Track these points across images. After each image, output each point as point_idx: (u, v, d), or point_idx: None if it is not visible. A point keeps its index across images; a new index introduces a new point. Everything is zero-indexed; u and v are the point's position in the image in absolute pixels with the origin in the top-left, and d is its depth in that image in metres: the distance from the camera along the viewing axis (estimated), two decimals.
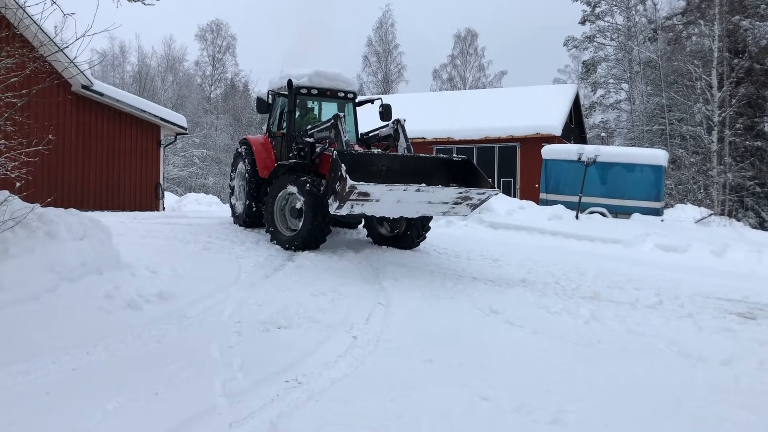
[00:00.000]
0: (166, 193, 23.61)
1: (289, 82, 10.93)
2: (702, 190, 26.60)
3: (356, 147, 10.08)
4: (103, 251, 6.38)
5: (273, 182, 10.23)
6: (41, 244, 5.72)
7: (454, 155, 10.18)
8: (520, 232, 13.39)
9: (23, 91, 5.30)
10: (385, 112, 11.32)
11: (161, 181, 19.76)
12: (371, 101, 11.80)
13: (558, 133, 27.19)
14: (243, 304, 6.33)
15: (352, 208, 8.17)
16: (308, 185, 9.39)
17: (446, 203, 8.66)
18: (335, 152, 8.48)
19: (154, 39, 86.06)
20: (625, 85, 44.10)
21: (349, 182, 7.80)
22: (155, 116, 19.00)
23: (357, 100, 11.82)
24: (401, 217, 9.57)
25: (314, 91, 11.13)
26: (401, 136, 9.99)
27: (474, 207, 8.97)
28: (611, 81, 44.95)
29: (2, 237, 5.55)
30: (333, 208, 8.30)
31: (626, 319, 6.66)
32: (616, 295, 8.03)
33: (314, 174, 9.98)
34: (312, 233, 9.48)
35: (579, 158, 15.25)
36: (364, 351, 5.06)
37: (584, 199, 15.70)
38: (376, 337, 5.43)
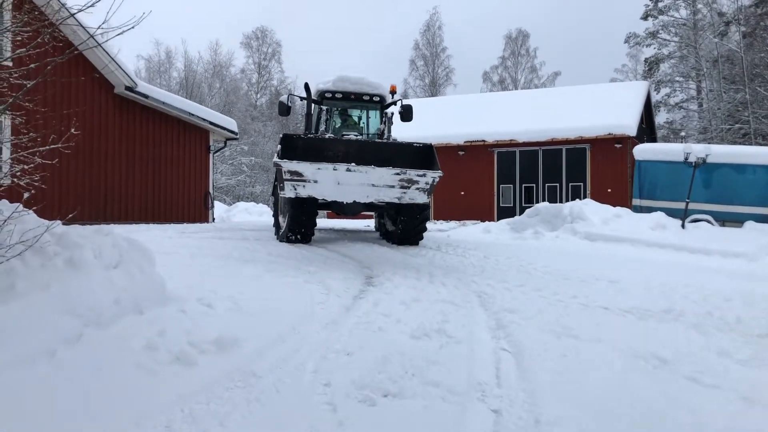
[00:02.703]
0: (215, 203, 22.37)
1: (306, 85, 11.44)
2: None
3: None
4: (143, 282, 4.85)
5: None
6: (60, 276, 4.21)
7: (416, 141, 10.10)
8: (622, 245, 11.50)
9: (32, 66, 3.76)
10: (405, 112, 11.49)
11: (210, 190, 18.46)
12: (394, 103, 11.91)
13: (633, 133, 25.07)
14: (326, 352, 4.71)
15: (295, 189, 8.52)
16: None
17: (392, 186, 8.72)
18: (282, 135, 9.21)
19: (200, 44, 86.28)
20: (693, 83, 41.51)
21: (275, 159, 8.31)
22: (204, 120, 17.71)
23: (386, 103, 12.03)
24: (399, 213, 10.55)
25: (338, 95, 11.53)
26: (386, 129, 11.00)
27: (425, 191, 8.85)
28: (678, 78, 42.38)
29: (7, 267, 4.06)
30: (280, 191, 8.70)
31: None
32: None
33: None
34: (292, 226, 10.08)
35: (685, 158, 13.24)
36: None
37: (681, 205, 13.70)
38: (530, 414, 3.73)
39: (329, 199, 9.14)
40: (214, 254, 8.64)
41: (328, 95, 11.50)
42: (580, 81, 57.62)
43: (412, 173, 8.64)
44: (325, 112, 11.90)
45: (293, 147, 9.10)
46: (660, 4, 42.52)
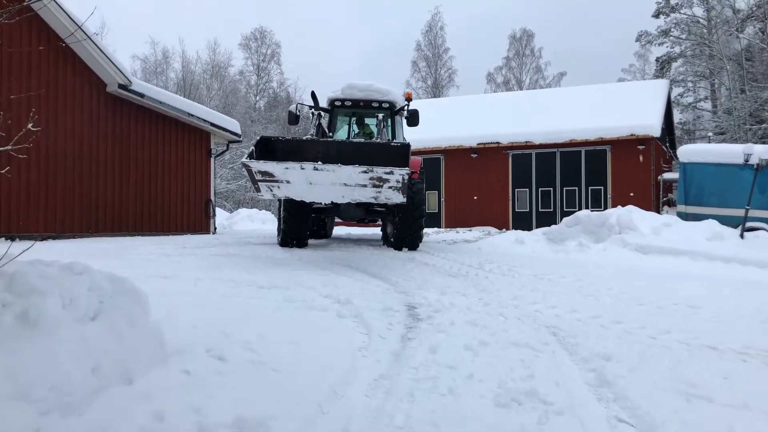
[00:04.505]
0: (216, 209, 21.02)
1: (312, 93, 11.58)
2: None
3: None
4: (133, 338, 3.52)
5: None
6: (7, 340, 2.86)
7: (395, 141, 9.98)
8: (679, 258, 10.18)
9: None
10: (411, 117, 11.38)
11: (212, 197, 17.11)
12: (402, 108, 11.91)
13: (657, 134, 23.79)
14: None
15: (271, 190, 8.63)
16: None
17: (364, 186, 8.53)
18: (260, 137, 9.41)
19: (198, 43, 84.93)
20: (707, 82, 40.26)
21: (243, 160, 8.47)
22: (205, 121, 16.37)
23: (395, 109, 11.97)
24: (396, 219, 10.74)
25: (347, 103, 11.72)
26: (377, 132, 11.06)
27: (399, 189, 8.57)
28: (690, 79, 41.21)
29: None
30: (256, 192, 8.78)
31: None
32: None
33: None
34: (286, 229, 10.65)
35: (746, 160, 11.92)
36: None
37: (734, 212, 12.42)
38: None
39: (307, 200, 9.31)
40: (222, 277, 7.32)
41: (338, 103, 11.74)
42: (587, 81, 56.37)
43: (379, 171, 8.36)
44: (333, 119, 12.07)
45: (272, 149, 9.31)
46: (672, 1, 41.31)
